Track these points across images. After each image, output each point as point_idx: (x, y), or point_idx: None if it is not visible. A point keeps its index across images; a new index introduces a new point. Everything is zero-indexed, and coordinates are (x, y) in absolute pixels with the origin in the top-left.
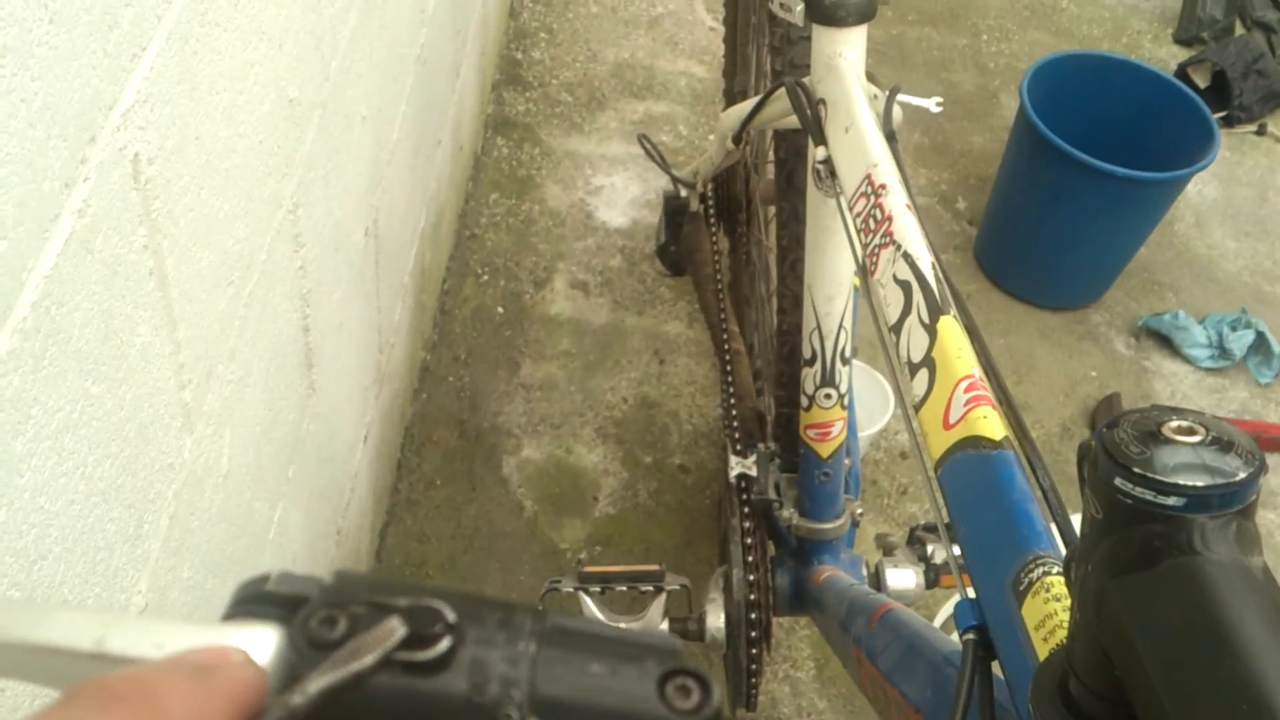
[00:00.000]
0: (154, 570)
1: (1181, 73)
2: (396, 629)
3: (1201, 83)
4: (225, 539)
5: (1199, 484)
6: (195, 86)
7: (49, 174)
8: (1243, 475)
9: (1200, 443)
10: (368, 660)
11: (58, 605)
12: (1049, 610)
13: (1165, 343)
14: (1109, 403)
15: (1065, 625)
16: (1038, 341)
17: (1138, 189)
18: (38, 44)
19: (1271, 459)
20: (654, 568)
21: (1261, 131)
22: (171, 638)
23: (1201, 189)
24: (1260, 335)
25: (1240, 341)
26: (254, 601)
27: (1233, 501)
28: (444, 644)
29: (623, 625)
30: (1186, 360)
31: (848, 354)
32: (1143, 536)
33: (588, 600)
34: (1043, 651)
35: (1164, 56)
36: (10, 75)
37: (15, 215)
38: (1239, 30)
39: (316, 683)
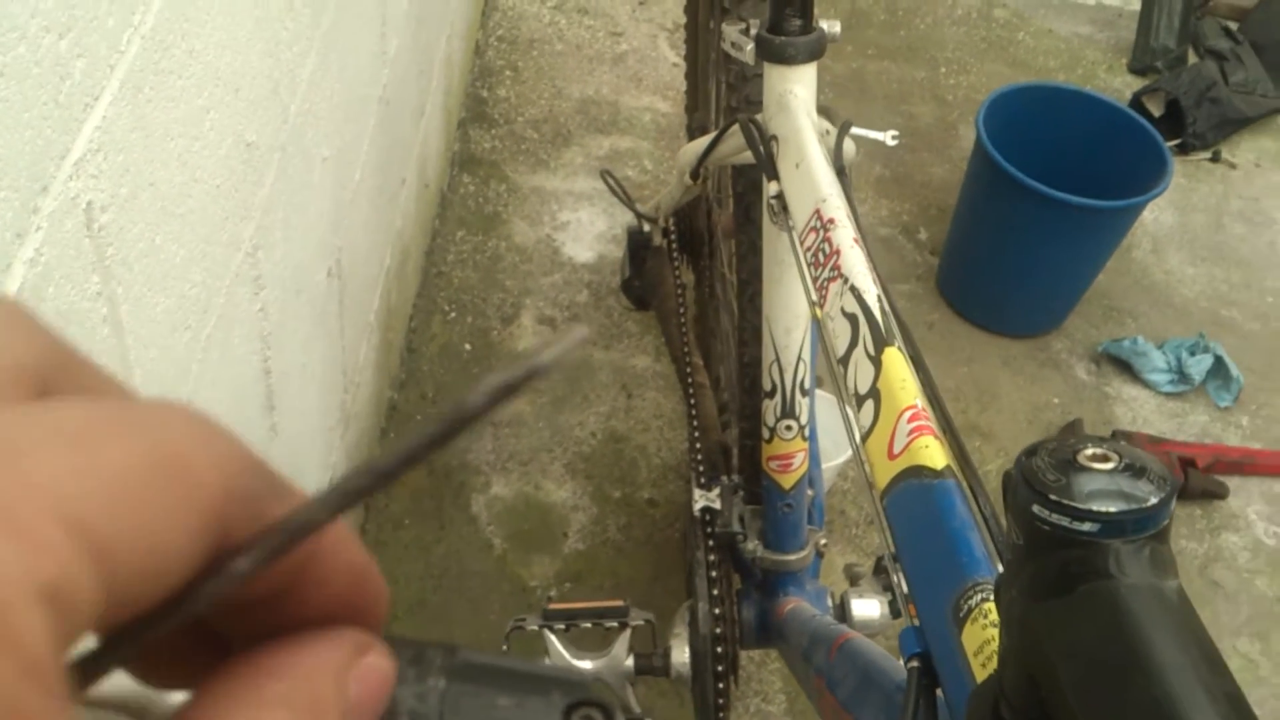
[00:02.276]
0: None
1: (1136, 102)
2: None
3: (1156, 111)
4: None
5: (1112, 509)
6: (149, 134)
7: (0, 225)
8: (1155, 500)
9: (1114, 469)
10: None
11: None
12: (987, 636)
13: (1125, 368)
14: (1071, 429)
15: None
16: (1000, 369)
17: (1093, 217)
18: None
19: (1233, 482)
20: (618, 603)
21: (1216, 158)
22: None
23: (1158, 215)
24: (1219, 359)
25: (1199, 366)
26: None
27: (1146, 526)
28: None
29: (585, 661)
30: (1146, 385)
31: (807, 385)
32: (1060, 562)
33: (553, 638)
34: (981, 677)
35: (1119, 86)
36: None
37: None
38: (1192, 59)
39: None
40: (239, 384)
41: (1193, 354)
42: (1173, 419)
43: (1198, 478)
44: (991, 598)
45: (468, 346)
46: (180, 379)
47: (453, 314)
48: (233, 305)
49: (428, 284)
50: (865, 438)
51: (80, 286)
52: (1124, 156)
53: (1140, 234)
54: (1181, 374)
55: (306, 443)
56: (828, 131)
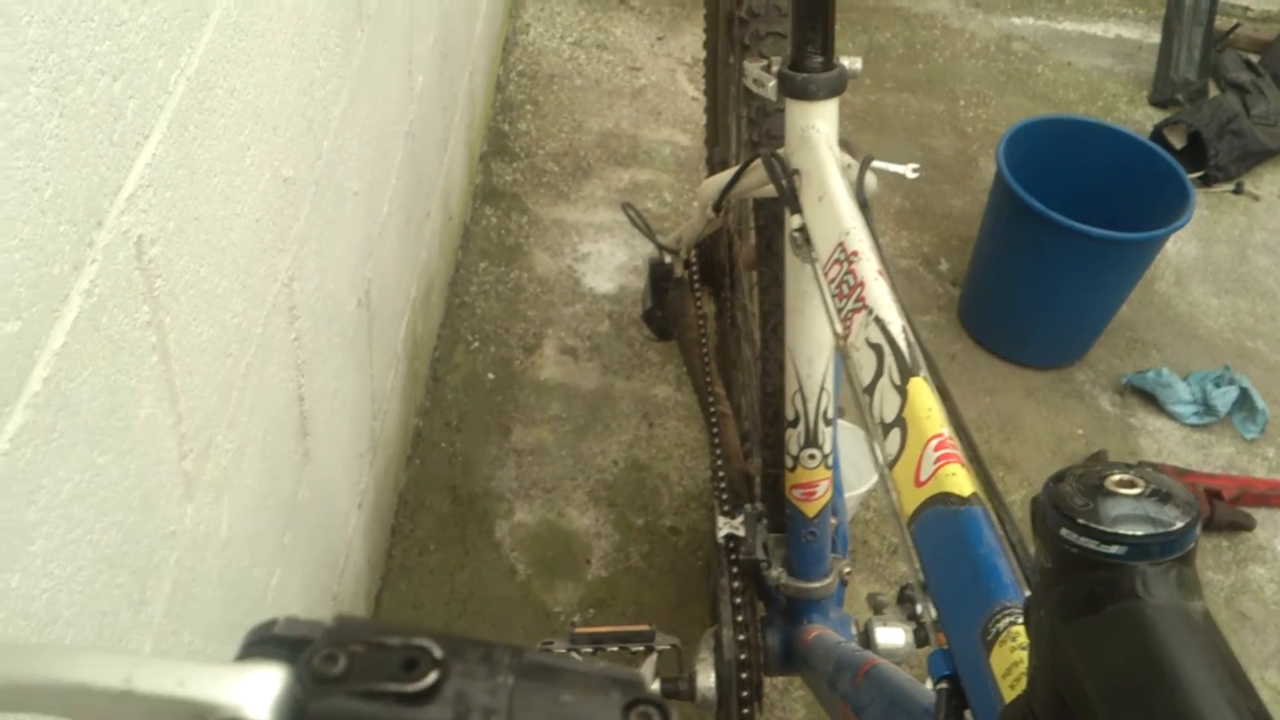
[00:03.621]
0: (157, 635)
1: (1158, 134)
2: (391, 664)
3: (1178, 144)
4: (225, 604)
5: (1139, 533)
6: (194, 170)
7: (59, 257)
8: (1180, 524)
9: (1140, 494)
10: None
11: (87, 648)
12: (1015, 658)
13: (1150, 400)
14: (1096, 459)
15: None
16: (1023, 400)
17: (1116, 249)
18: (49, 136)
19: (1259, 514)
20: (644, 628)
21: (1239, 190)
22: (192, 676)
23: (1181, 248)
24: (1244, 391)
25: (1224, 398)
26: (263, 643)
27: (1172, 549)
28: (431, 677)
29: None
30: (1172, 417)
31: (830, 414)
32: (1088, 584)
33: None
34: (1009, 698)
35: (1140, 119)
36: (24, 166)
37: (29, 296)
38: (1213, 91)
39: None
40: (275, 410)
41: (1218, 386)
42: (1198, 451)
43: (1224, 510)
44: (1019, 621)
45: (491, 375)
46: (221, 406)
47: (476, 343)
48: (270, 334)
49: (451, 314)
50: (891, 465)
51: (132, 316)
52: (1146, 189)
53: (1163, 266)
54: (1207, 406)
55: (338, 469)
56: (849, 165)
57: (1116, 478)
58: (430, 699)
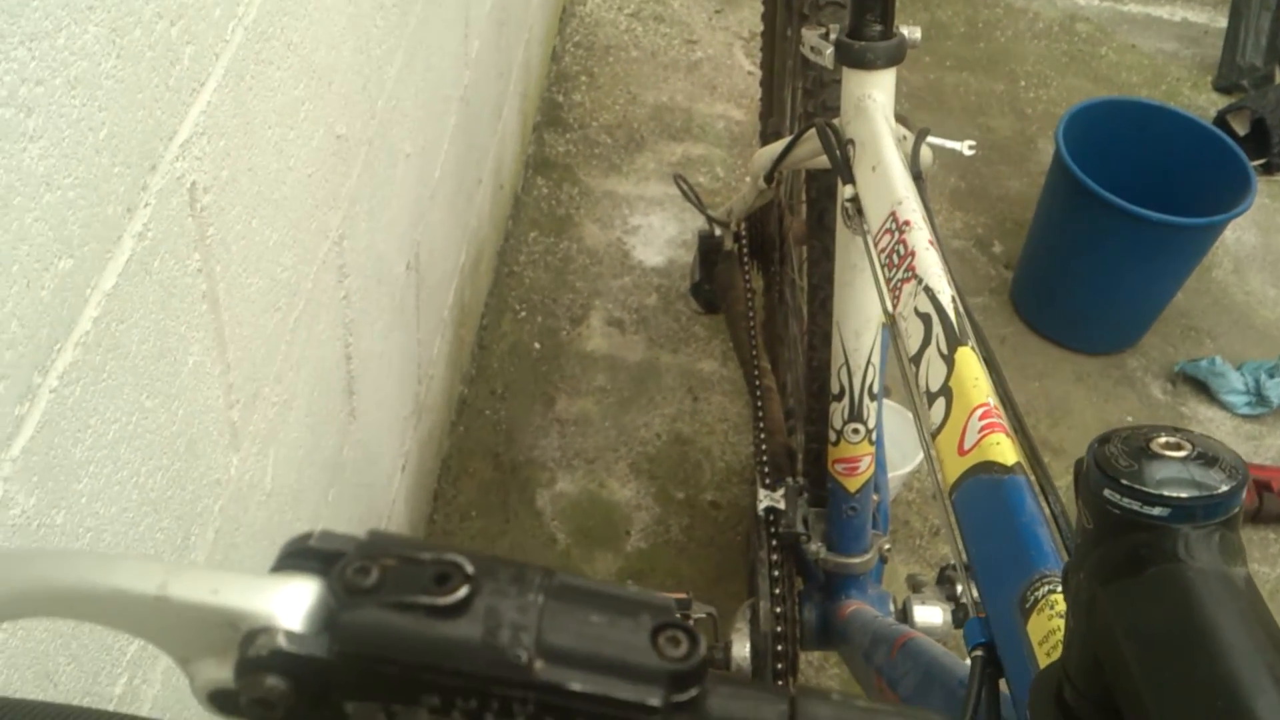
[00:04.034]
0: None
1: (1220, 120)
2: (423, 578)
3: (1240, 130)
4: (266, 557)
5: (1183, 495)
6: (249, 121)
7: (113, 198)
8: (1225, 488)
9: (1186, 457)
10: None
11: (123, 555)
12: (1052, 626)
13: (1202, 389)
14: None
15: None
16: (1073, 385)
17: (1174, 234)
18: (106, 76)
19: None
20: (681, 595)
21: None
22: (227, 585)
23: (1240, 235)
24: None
25: (1277, 389)
26: (298, 555)
27: (1216, 513)
28: (462, 591)
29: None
30: (1223, 407)
31: (875, 390)
32: (1130, 545)
33: None
34: (1045, 665)
35: (1203, 104)
36: (80, 105)
37: (81, 235)
38: (1279, 78)
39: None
40: (322, 367)
41: (1272, 376)
42: (1249, 441)
43: (1274, 502)
44: (1058, 590)
45: (537, 345)
46: (269, 359)
47: (523, 313)
48: (319, 290)
49: (500, 283)
50: (935, 434)
51: (183, 262)
52: (1206, 174)
53: (1221, 253)
54: (1260, 396)
55: (382, 430)
56: (904, 137)
57: (1163, 440)
58: (461, 613)
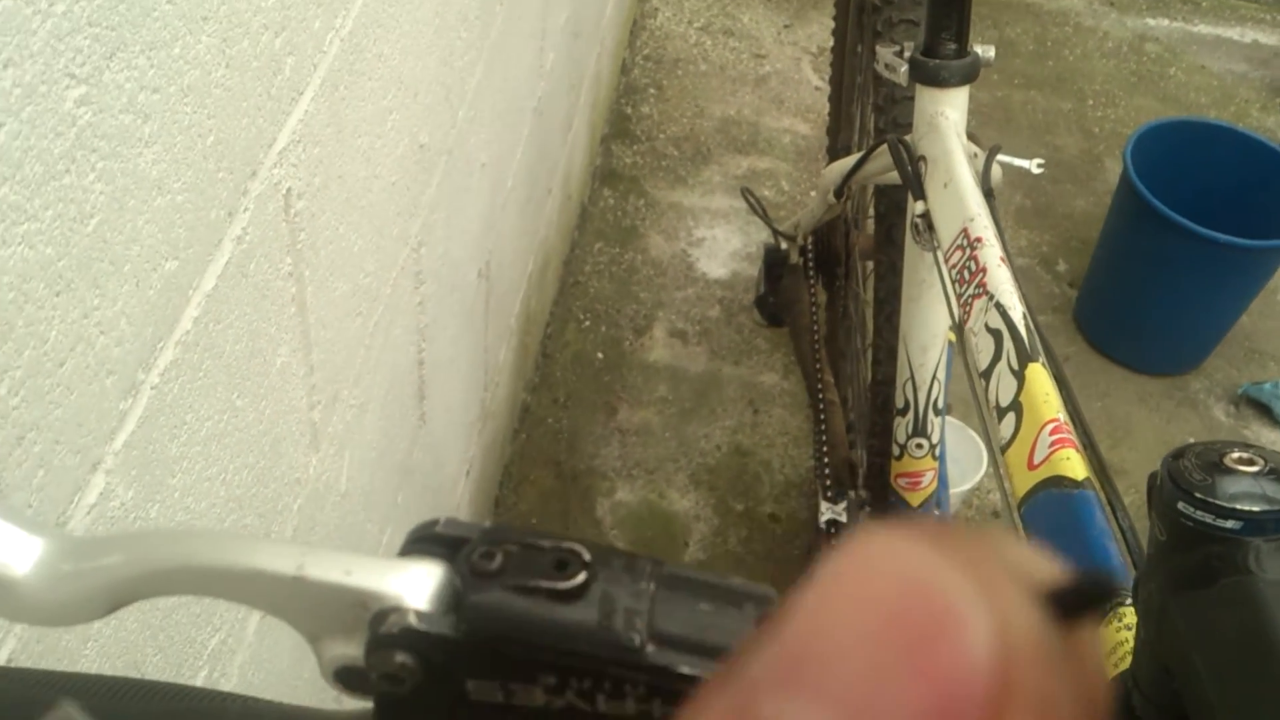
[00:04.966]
0: None
1: None
2: (543, 563)
3: None
4: None
5: (1255, 509)
6: (341, 129)
7: (216, 203)
8: None
9: (1259, 472)
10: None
11: (261, 537)
12: (1120, 638)
13: (1265, 412)
14: None
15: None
16: (1135, 406)
17: (1241, 256)
18: (215, 85)
19: None
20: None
21: None
22: (359, 567)
23: None
24: None
25: None
26: (425, 541)
27: None
28: (581, 577)
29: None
30: None
31: (940, 405)
32: (1202, 557)
33: None
34: (1112, 676)
35: (1271, 125)
36: (192, 112)
37: (186, 238)
38: None
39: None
40: (396, 372)
41: None
42: None
43: None
44: (1126, 602)
45: (600, 355)
46: (349, 362)
47: (587, 322)
48: (398, 296)
49: (565, 292)
50: (1005, 448)
51: (276, 266)
52: (1274, 197)
53: None
54: None
55: (450, 434)
56: (975, 155)
57: (1236, 455)
58: (579, 598)
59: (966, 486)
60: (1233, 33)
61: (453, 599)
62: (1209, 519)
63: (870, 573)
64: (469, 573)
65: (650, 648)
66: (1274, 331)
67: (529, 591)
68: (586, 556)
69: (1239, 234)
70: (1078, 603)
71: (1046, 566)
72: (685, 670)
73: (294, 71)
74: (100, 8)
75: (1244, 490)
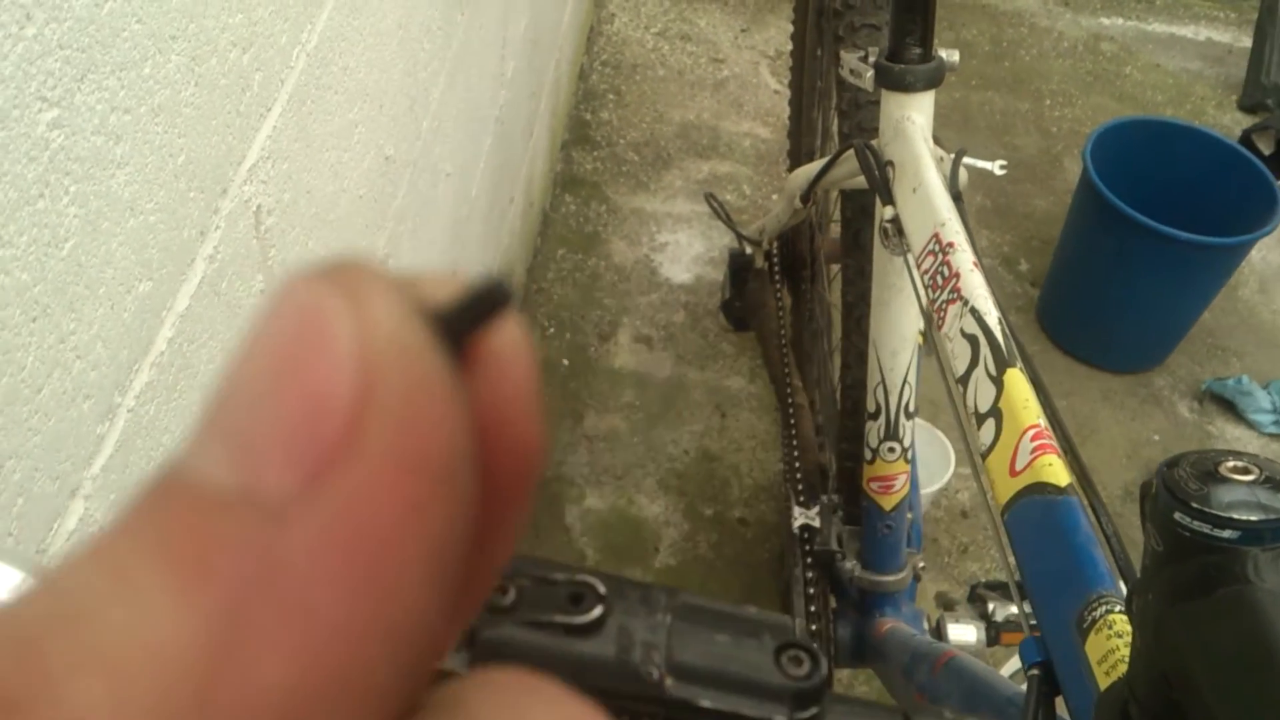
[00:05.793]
0: None
1: (1245, 139)
2: (558, 598)
3: (1266, 149)
4: None
5: (1252, 519)
6: (309, 144)
7: (188, 222)
8: None
9: (1254, 481)
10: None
11: None
12: (1111, 646)
13: (1229, 407)
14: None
15: (1127, 659)
16: (1100, 404)
17: (1201, 253)
18: (185, 104)
19: None
20: None
21: None
22: None
23: (1266, 255)
24: None
25: None
26: None
27: None
28: (596, 611)
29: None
30: (1250, 425)
31: (911, 408)
32: (1200, 566)
33: None
34: (1105, 685)
35: (1228, 123)
36: (162, 132)
37: (160, 259)
38: None
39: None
40: None
41: None
42: (1276, 460)
43: None
44: (1116, 609)
45: (565, 362)
46: None
47: (551, 330)
48: None
49: (528, 300)
50: (985, 455)
51: (247, 284)
52: (1232, 194)
53: (1248, 272)
54: None
55: None
56: (941, 159)
57: (1231, 464)
58: (595, 632)
59: (935, 487)
60: (1187, 31)
61: (465, 636)
62: (1206, 529)
63: (273, 316)
64: (482, 608)
65: (669, 681)
66: (1236, 327)
67: (544, 626)
68: (601, 589)
69: (1199, 231)
70: (473, 315)
71: (441, 283)
72: (705, 704)
73: (262, 87)
74: (71, 30)
75: (1240, 499)
